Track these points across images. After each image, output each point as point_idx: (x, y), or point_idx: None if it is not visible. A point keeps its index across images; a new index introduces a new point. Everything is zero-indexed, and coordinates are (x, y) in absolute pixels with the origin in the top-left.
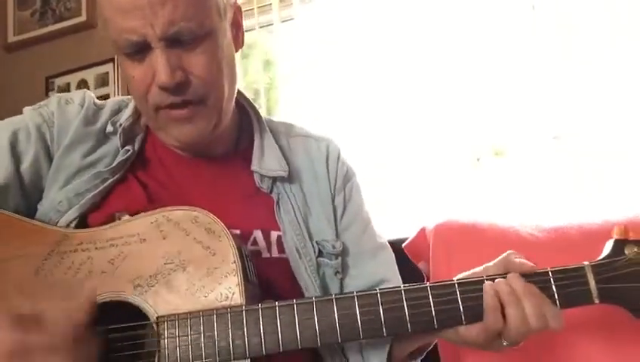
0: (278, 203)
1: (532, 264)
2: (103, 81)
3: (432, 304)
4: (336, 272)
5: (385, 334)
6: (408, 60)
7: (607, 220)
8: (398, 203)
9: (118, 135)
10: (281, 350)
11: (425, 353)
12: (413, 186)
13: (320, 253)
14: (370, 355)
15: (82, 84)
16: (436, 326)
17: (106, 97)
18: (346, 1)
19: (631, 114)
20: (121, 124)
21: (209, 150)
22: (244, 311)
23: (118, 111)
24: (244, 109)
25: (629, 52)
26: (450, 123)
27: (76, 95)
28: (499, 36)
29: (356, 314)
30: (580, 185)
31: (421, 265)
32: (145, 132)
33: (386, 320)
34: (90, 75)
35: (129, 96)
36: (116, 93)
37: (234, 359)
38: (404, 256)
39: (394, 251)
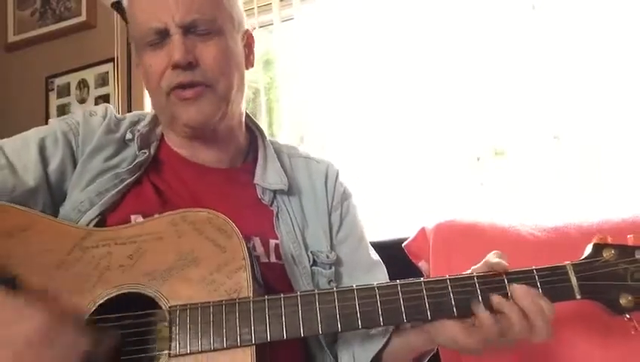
0: (277, 215)
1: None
2: (103, 80)
3: (425, 297)
4: (330, 281)
5: (382, 323)
6: (409, 60)
7: (607, 220)
8: (398, 203)
9: (135, 139)
10: (285, 337)
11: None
12: (413, 186)
13: (314, 263)
14: (361, 357)
15: (82, 84)
16: (430, 318)
17: (106, 97)
18: (346, 1)
19: (631, 114)
20: (139, 130)
21: (218, 161)
22: (251, 302)
23: (136, 122)
24: (252, 131)
25: (629, 52)
26: (451, 123)
27: (99, 109)
28: (499, 36)
29: (355, 305)
30: (579, 185)
31: (421, 265)
32: (159, 140)
33: (383, 311)
34: (90, 74)
35: (146, 111)
36: (116, 92)
37: (240, 345)
38: (404, 255)
39: (394, 251)
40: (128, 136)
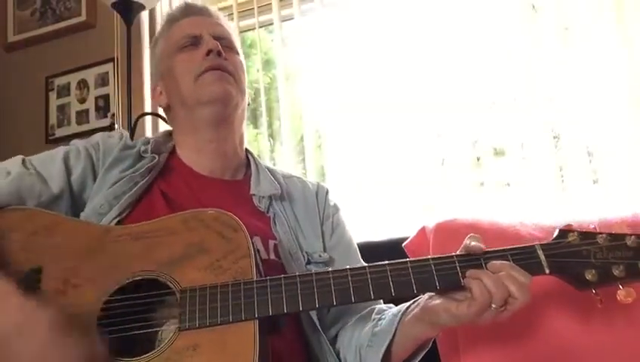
0: (274, 219)
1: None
2: (103, 80)
3: (411, 274)
4: None
5: (372, 297)
6: (409, 59)
7: (606, 219)
8: (399, 203)
9: (149, 145)
10: (285, 311)
11: (424, 352)
12: (413, 186)
13: (309, 261)
14: (368, 356)
15: (82, 84)
16: (415, 291)
17: (106, 97)
18: (346, 1)
19: (630, 114)
20: (153, 139)
21: (223, 173)
22: (254, 283)
23: (149, 142)
24: (248, 154)
25: (629, 52)
26: (451, 123)
27: (115, 133)
28: (499, 36)
29: (349, 282)
30: (579, 185)
31: None
32: (168, 153)
33: (373, 287)
34: (90, 74)
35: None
36: (116, 93)
37: (245, 319)
38: (405, 256)
39: (394, 251)
40: (143, 148)
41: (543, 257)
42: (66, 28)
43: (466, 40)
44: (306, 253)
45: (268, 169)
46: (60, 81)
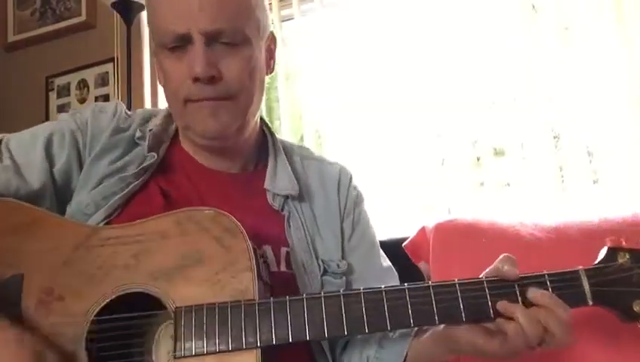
0: (288, 220)
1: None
2: (103, 80)
3: (433, 302)
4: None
5: (389, 328)
6: (409, 59)
7: (606, 219)
8: (398, 203)
9: (147, 139)
10: (290, 341)
11: None
12: (413, 186)
13: (325, 272)
14: None
15: (82, 84)
16: (437, 322)
17: (106, 97)
18: (346, 1)
19: (630, 114)
20: (151, 130)
21: (230, 166)
22: (256, 304)
23: (147, 120)
24: (263, 132)
25: (629, 52)
26: (451, 123)
27: (109, 106)
28: (499, 36)
29: (362, 308)
30: (579, 185)
31: (421, 265)
32: (170, 141)
33: (390, 315)
34: (90, 74)
35: (158, 108)
36: (116, 93)
37: (245, 348)
38: (404, 255)
39: (394, 251)
40: (138, 134)
41: (587, 286)
42: (66, 28)
43: (466, 40)
44: (322, 261)
45: (284, 149)
46: (60, 81)
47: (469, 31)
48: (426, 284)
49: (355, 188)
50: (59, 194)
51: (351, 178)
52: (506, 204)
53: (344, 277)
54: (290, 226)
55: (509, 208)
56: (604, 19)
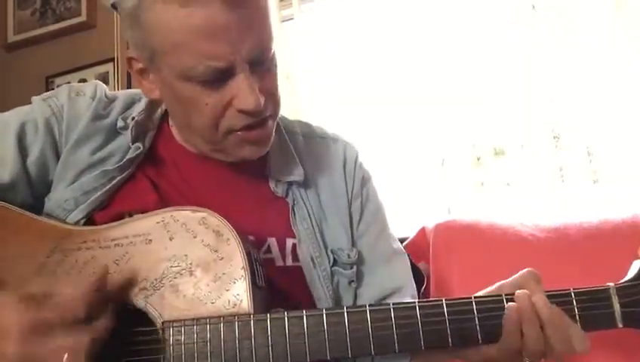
0: (293, 208)
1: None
2: (102, 80)
3: (447, 321)
4: (351, 281)
5: (397, 350)
6: (409, 59)
7: (606, 220)
8: (398, 203)
9: (129, 129)
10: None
11: None
12: (413, 186)
13: (335, 262)
14: None
15: None
16: (450, 344)
17: None
18: (346, 1)
19: (630, 113)
20: (133, 118)
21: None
22: (252, 320)
23: (130, 105)
24: None
25: (629, 51)
26: (451, 122)
27: (88, 87)
28: (499, 36)
29: (368, 328)
30: (579, 185)
31: (421, 265)
32: (156, 129)
33: (398, 336)
34: (90, 74)
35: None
36: None
37: None
38: None
39: None
40: (120, 123)
41: (617, 307)
42: (66, 28)
43: (465, 40)
44: (331, 251)
45: (285, 127)
46: (60, 81)
47: (469, 31)
48: (439, 301)
49: (360, 166)
50: (34, 187)
51: (357, 156)
52: (506, 204)
53: (354, 267)
54: (295, 215)
55: (509, 208)
56: (604, 19)
